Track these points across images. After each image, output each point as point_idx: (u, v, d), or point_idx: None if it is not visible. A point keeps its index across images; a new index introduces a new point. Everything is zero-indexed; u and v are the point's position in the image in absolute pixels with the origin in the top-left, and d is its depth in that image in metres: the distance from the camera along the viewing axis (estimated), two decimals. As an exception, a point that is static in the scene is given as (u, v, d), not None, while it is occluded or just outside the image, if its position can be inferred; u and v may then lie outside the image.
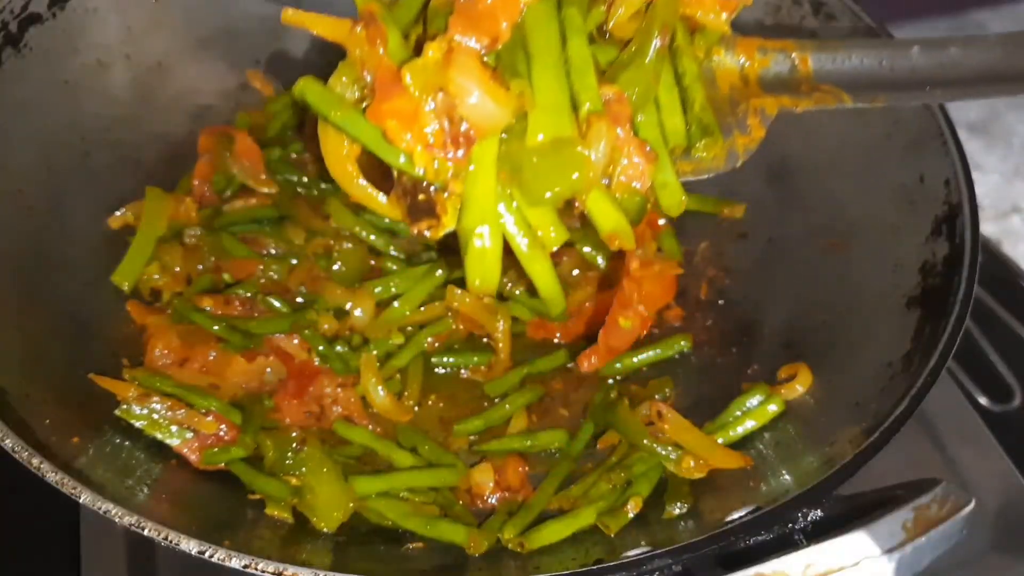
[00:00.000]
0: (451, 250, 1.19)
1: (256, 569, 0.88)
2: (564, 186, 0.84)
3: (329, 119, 0.89)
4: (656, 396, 1.13)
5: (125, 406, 1.04)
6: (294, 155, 1.33)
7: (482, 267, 0.87)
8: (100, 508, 0.89)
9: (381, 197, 0.93)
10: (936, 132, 1.16)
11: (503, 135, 0.85)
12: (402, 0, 0.92)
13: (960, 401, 1.26)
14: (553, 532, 0.99)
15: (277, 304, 1.16)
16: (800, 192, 1.30)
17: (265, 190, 1.26)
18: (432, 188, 0.87)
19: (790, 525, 1.04)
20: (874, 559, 1.02)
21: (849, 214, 1.23)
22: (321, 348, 1.14)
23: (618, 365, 1.18)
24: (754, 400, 1.10)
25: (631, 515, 1.01)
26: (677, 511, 1.01)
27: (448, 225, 0.88)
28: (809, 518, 1.04)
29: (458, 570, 0.98)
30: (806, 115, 1.30)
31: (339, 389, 1.12)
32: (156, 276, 1.19)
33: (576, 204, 0.89)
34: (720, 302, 1.28)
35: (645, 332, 1.01)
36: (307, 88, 0.89)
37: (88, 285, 1.16)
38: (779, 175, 1.33)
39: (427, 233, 0.88)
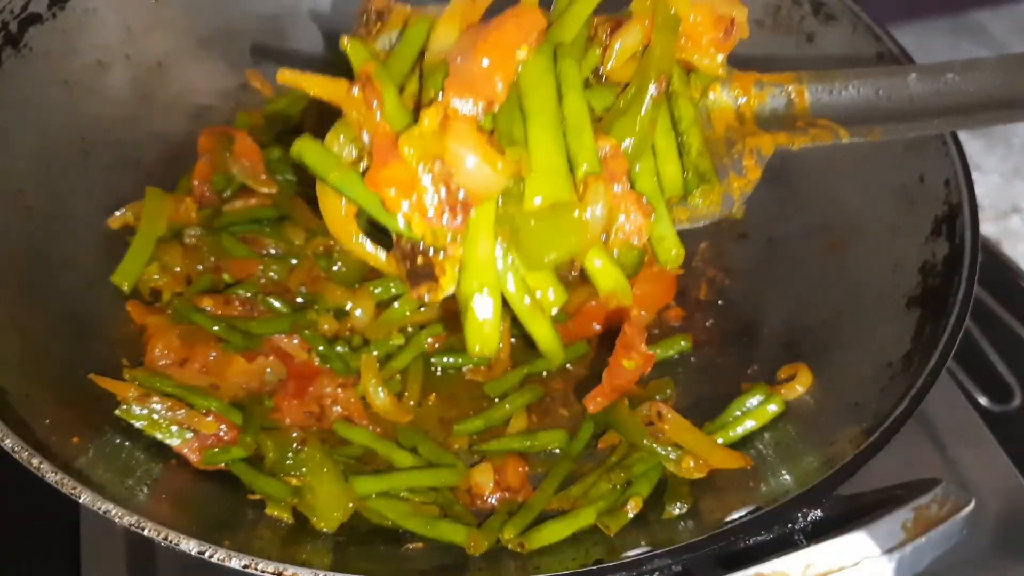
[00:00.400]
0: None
1: (256, 569, 0.88)
2: (562, 250, 0.85)
3: (327, 181, 0.88)
4: (656, 396, 1.13)
5: (125, 406, 1.04)
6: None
7: (481, 334, 0.86)
8: (100, 508, 0.89)
9: (380, 254, 0.93)
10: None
11: (501, 198, 0.85)
12: (396, 52, 0.91)
13: (960, 401, 1.26)
14: (553, 532, 0.99)
15: (277, 304, 1.16)
16: (800, 192, 1.30)
17: (265, 190, 1.26)
18: (431, 250, 0.87)
19: (790, 525, 1.04)
20: (874, 559, 1.02)
21: (849, 214, 1.23)
22: (321, 348, 1.14)
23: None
24: (754, 400, 1.10)
25: (631, 515, 1.01)
26: (677, 511, 1.01)
27: (447, 288, 0.88)
28: (809, 518, 1.04)
29: (458, 570, 0.98)
30: (806, 115, 1.31)
31: (339, 389, 1.12)
32: (156, 276, 1.19)
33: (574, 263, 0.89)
34: (720, 302, 1.28)
35: (649, 369, 1.03)
36: (304, 149, 0.88)
37: (88, 285, 1.16)
38: (779, 175, 1.32)
39: (427, 297, 0.88)
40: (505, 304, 0.89)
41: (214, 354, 1.11)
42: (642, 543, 0.95)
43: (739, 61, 1.34)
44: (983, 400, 1.31)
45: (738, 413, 1.09)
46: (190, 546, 0.88)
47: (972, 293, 1.04)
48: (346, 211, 0.90)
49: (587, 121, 0.86)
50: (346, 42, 0.89)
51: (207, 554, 0.88)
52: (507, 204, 0.85)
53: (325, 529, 1.00)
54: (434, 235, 0.85)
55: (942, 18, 2.13)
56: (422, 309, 1.18)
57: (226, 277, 1.20)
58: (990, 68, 0.97)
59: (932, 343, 1.02)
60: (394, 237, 0.89)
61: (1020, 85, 0.95)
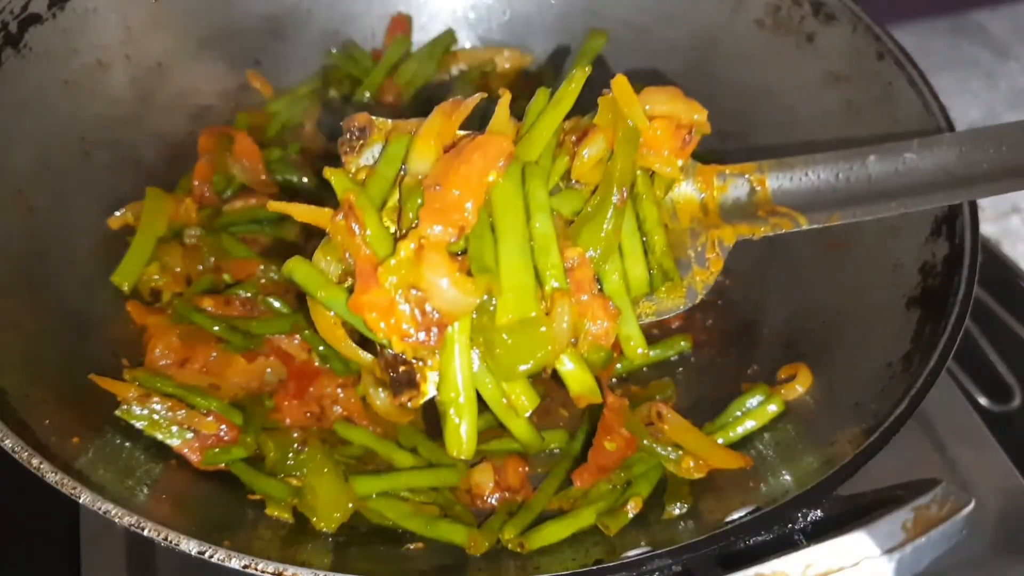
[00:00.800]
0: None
1: (256, 569, 0.88)
2: (533, 362, 0.91)
3: (315, 298, 0.95)
4: (656, 396, 1.13)
5: (125, 406, 1.04)
6: (294, 155, 1.34)
7: (459, 439, 0.93)
8: (100, 508, 0.89)
9: (367, 356, 1.00)
10: (936, 132, 1.15)
11: (475, 313, 0.91)
12: (377, 171, 0.97)
13: (960, 401, 1.26)
14: (553, 532, 0.99)
15: (277, 305, 1.16)
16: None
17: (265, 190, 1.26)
18: (413, 358, 0.93)
19: (790, 525, 1.04)
20: (874, 559, 1.02)
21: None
22: (321, 349, 1.13)
23: (618, 366, 1.18)
24: (754, 400, 1.10)
25: (631, 515, 1.01)
26: (677, 511, 1.02)
27: (426, 394, 0.94)
28: (809, 518, 1.04)
29: (458, 570, 0.98)
30: (806, 115, 1.31)
31: (339, 389, 1.12)
32: (156, 276, 1.19)
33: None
34: (720, 302, 1.28)
35: (632, 452, 1.06)
36: (295, 269, 0.95)
37: (88, 285, 1.16)
38: (779, 175, 1.33)
39: (409, 404, 0.94)
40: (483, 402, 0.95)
41: (214, 354, 1.11)
42: (642, 543, 0.95)
43: (740, 60, 1.35)
44: (983, 400, 1.31)
45: (738, 413, 1.09)
46: (190, 546, 0.88)
47: (972, 293, 1.04)
48: (334, 320, 0.97)
49: (553, 241, 0.93)
50: (329, 173, 0.95)
51: (207, 554, 0.88)
52: (481, 317, 0.92)
53: (325, 529, 1.00)
54: (414, 349, 0.91)
55: (942, 18, 2.13)
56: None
57: (226, 277, 1.20)
58: (947, 145, 1.00)
59: (932, 343, 1.02)
60: (378, 347, 0.95)
61: (976, 161, 0.97)
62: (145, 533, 0.88)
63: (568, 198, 0.98)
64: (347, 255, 0.94)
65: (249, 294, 1.18)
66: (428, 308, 0.89)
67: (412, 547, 1.01)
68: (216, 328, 1.12)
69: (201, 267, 1.20)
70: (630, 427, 1.07)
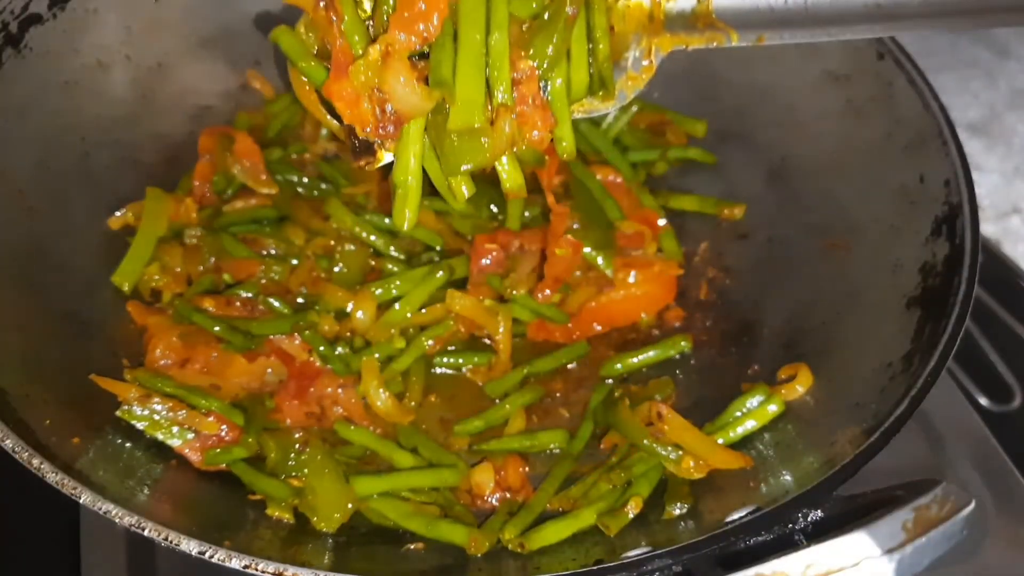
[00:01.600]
0: (452, 252, 1.20)
1: (256, 569, 0.88)
2: (475, 162, 1.03)
3: (297, 67, 1.07)
4: (656, 396, 1.13)
5: (126, 407, 1.04)
6: (294, 155, 1.34)
7: (403, 215, 1.04)
8: (100, 508, 0.89)
9: (334, 121, 1.09)
10: (936, 132, 1.16)
11: (430, 113, 1.02)
12: None
13: (960, 401, 1.26)
14: (553, 532, 0.99)
15: (278, 305, 1.17)
16: (800, 192, 1.30)
17: (265, 190, 1.26)
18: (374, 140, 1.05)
19: (790, 525, 1.04)
20: (874, 559, 1.02)
21: (849, 214, 1.23)
22: (322, 349, 1.14)
23: (618, 365, 1.18)
24: (754, 400, 1.10)
25: (631, 515, 1.01)
26: (677, 511, 1.02)
27: (382, 160, 1.05)
28: (809, 518, 1.04)
29: (458, 570, 0.98)
30: (806, 115, 1.31)
31: (340, 390, 1.12)
32: (156, 277, 1.19)
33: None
34: (720, 302, 1.28)
35: (579, 258, 1.17)
36: (281, 36, 1.06)
37: (88, 285, 1.16)
38: (779, 175, 1.33)
39: (365, 167, 1.05)
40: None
41: (215, 354, 1.11)
42: (642, 543, 0.95)
43: (740, 60, 1.35)
44: (983, 400, 1.31)
45: (738, 413, 1.09)
46: (190, 546, 0.88)
47: (972, 293, 1.04)
48: (309, 87, 1.08)
49: (506, 58, 1.02)
50: None
51: (207, 554, 0.88)
52: (436, 116, 1.02)
53: (325, 529, 1.00)
54: (374, 135, 1.03)
55: (942, 18, 2.12)
56: (423, 311, 1.18)
57: (226, 278, 1.20)
58: None
59: (932, 343, 1.02)
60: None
61: None
62: (145, 533, 0.88)
63: (527, 1, 1.04)
64: (324, 40, 1.04)
65: (249, 294, 1.18)
66: (388, 108, 1.01)
67: (412, 547, 1.01)
68: (216, 328, 1.12)
69: (201, 267, 1.20)
70: (630, 427, 1.07)
